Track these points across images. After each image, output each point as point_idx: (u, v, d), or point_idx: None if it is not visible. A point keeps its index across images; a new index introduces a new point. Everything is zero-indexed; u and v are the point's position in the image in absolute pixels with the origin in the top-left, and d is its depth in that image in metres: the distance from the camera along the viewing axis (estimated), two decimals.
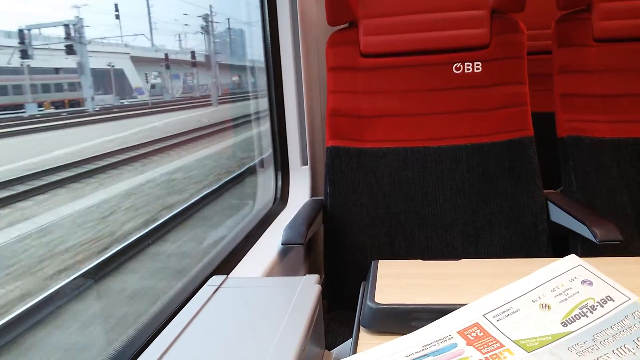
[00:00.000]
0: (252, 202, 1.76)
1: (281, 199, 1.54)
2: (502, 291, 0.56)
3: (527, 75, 1.32)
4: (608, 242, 1.05)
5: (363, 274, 1.32)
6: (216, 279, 0.76)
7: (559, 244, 1.28)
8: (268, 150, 1.65)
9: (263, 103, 1.58)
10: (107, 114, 13.67)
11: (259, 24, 1.51)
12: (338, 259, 1.34)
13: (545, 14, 1.60)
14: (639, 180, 1.30)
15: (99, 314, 2.82)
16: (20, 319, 2.54)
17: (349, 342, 0.69)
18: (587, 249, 1.22)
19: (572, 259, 0.58)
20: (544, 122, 1.52)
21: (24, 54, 11.70)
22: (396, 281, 0.66)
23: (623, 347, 0.47)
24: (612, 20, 1.34)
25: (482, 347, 0.49)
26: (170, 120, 12.54)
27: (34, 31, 12.16)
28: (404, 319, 0.59)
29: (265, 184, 1.64)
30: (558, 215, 1.24)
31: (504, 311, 0.53)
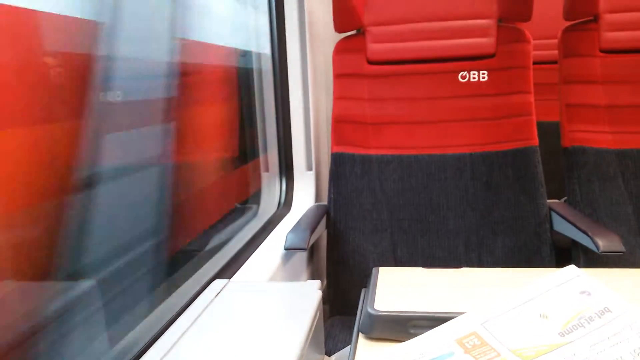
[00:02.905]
0: None
1: (285, 203, 1.55)
2: (501, 300, 0.56)
3: (533, 84, 1.33)
4: (610, 252, 1.05)
5: (365, 280, 1.32)
6: (218, 283, 0.76)
7: (561, 254, 1.28)
8: None
9: None
10: None
11: None
12: (340, 264, 1.34)
13: (552, 23, 1.60)
14: None
15: None
16: None
17: (348, 349, 0.69)
18: (590, 260, 1.22)
19: (571, 269, 0.58)
20: (549, 132, 1.52)
21: None
22: (396, 288, 0.67)
23: (620, 359, 0.47)
24: (619, 31, 1.34)
25: (479, 356, 0.50)
26: None
27: None
28: (402, 326, 0.59)
29: None
30: (561, 225, 1.24)
31: (502, 320, 0.54)
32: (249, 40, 1.53)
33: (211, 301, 0.70)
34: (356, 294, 1.31)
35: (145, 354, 0.64)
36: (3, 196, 0.64)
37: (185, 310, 0.71)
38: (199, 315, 0.67)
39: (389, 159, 1.35)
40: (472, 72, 1.33)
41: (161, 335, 0.66)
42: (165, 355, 0.59)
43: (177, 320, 0.69)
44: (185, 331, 0.64)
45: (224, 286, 0.75)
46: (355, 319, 0.65)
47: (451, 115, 1.34)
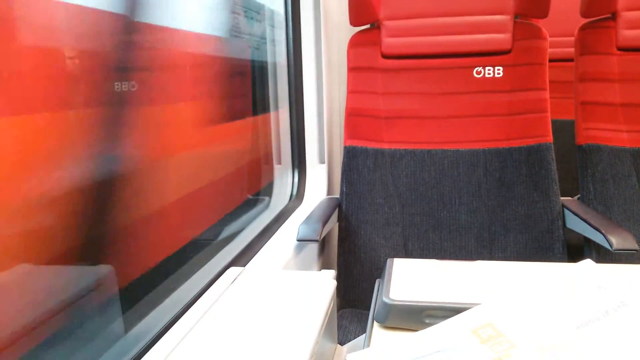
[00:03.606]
0: None
1: (297, 195, 1.56)
2: (517, 292, 0.56)
3: (549, 82, 1.32)
4: (623, 250, 1.05)
5: (376, 273, 1.33)
6: (234, 271, 0.77)
7: (574, 252, 1.28)
8: None
9: None
10: None
11: None
12: (351, 257, 1.35)
13: (569, 21, 1.59)
14: None
15: None
16: None
17: (361, 338, 0.70)
18: (603, 258, 1.22)
19: (587, 263, 0.58)
20: (564, 130, 1.51)
21: None
22: (411, 279, 0.67)
23: (637, 352, 0.47)
24: (636, 29, 1.33)
25: (494, 347, 0.50)
26: None
27: None
28: (418, 316, 0.60)
29: None
30: (574, 223, 1.24)
31: (518, 312, 0.54)
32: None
33: (227, 288, 0.71)
34: (366, 287, 1.32)
35: (161, 339, 0.65)
36: None
37: (201, 296, 0.71)
38: (215, 302, 0.68)
39: (401, 154, 1.35)
40: (487, 68, 1.33)
41: (177, 320, 0.67)
42: (181, 340, 0.60)
43: (193, 306, 0.69)
44: (201, 317, 0.65)
45: (240, 274, 0.75)
46: (366, 311, 0.65)
47: (465, 110, 1.34)
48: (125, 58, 0.85)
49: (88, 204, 0.77)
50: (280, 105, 1.56)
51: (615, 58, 1.34)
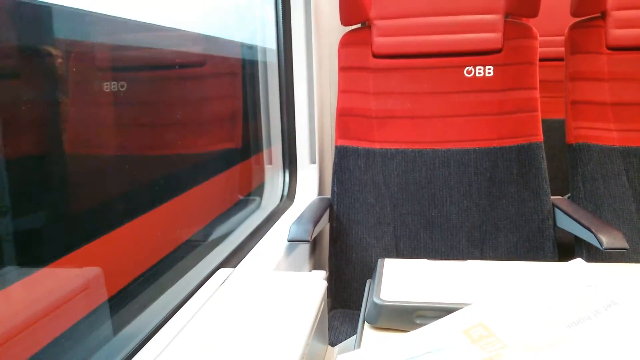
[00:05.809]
0: None
1: (288, 196, 1.55)
2: (508, 292, 0.56)
3: (539, 81, 1.32)
4: (614, 249, 1.05)
5: (367, 274, 1.32)
6: (223, 272, 0.76)
7: (564, 251, 1.28)
8: None
9: None
10: None
11: None
12: (343, 257, 1.34)
13: (559, 20, 1.60)
14: None
15: None
16: None
17: (352, 339, 0.69)
18: (593, 256, 1.22)
19: (578, 262, 0.58)
20: (554, 129, 1.52)
21: None
22: (402, 279, 0.67)
23: (626, 351, 0.47)
24: (626, 28, 1.34)
25: (485, 347, 0.50)
26: None
27: None
28: (409, 316, 0.59)
29: None
30: (564, 222, 1.24)
31: (509, 311, 0.54)
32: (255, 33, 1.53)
33: (216, 290, 0.70)
34: (358, 287, 1.32)
35: (150, 341, 0.64)
36: None
37: (190, 298, 0.71)
38: (204, 304, 0.67)
39: (392, 153, 1.35)
40: (478, 67, 1.33)
41: (166, 322, 0.66)
42: (170, 342, 0.59)
43: (182, 308, 0.69)
44: (190, 319, 0.64)
45: (229, 275, 0.75)
46: (358, 312, 0.65)
47: (456, 110, 1.34)
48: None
49: None
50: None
51: (604, 57, 1.35)
